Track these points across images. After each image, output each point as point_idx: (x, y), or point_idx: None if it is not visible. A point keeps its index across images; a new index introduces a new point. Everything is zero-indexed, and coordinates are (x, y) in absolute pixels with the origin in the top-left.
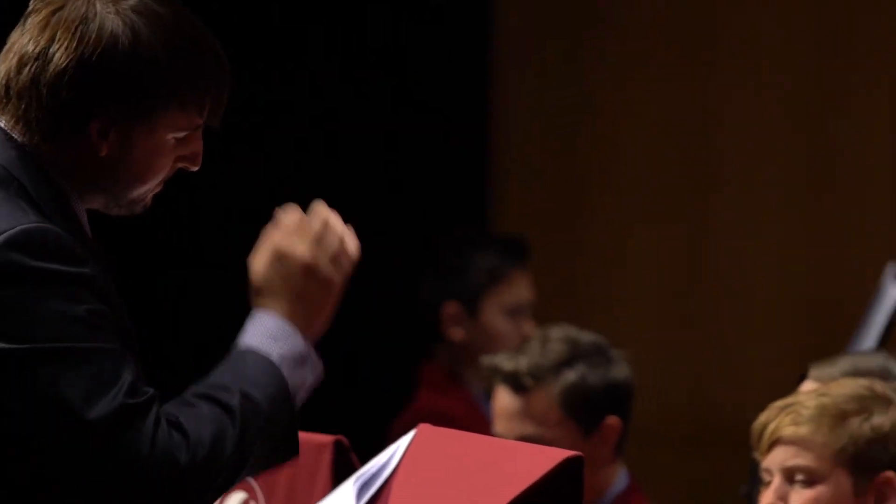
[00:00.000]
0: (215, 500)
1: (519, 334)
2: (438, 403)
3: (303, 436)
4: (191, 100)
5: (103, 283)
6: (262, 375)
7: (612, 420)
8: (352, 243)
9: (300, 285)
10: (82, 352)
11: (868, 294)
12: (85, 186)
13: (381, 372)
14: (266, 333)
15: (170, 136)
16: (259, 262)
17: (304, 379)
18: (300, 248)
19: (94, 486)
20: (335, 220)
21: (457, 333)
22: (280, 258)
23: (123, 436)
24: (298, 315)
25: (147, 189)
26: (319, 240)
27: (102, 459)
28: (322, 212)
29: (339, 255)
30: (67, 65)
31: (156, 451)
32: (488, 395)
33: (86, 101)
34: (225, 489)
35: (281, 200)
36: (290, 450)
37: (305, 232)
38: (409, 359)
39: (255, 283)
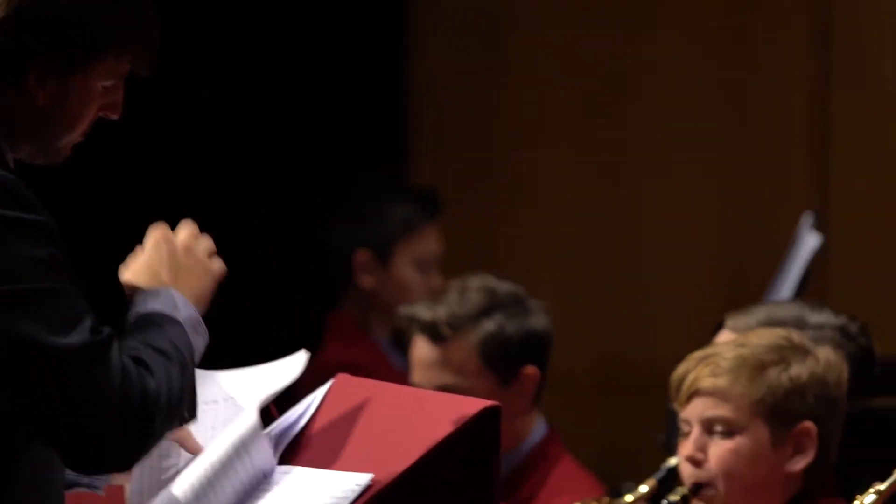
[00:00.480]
0: (173, 429)
1: (427, 286)
2: (346, 353)
3: None
4: (124, 47)
5: (56, 230)
6: (178, 335)
7: (530, 370)
8: (216, 264)
9: (183, 261)
10: (47, 292)
11: (784, 243)
12: (17, 136)
13: (290, 319)
14: (166, 302)
15: (101, 83)
16: (143, 251)
17: (198, 345)
18: (179, 235)
19: (70, 417)
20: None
21: (366, 282)
22: (162, 241)
23: (94, 368)
24: (185, 288)
25: (73, 138)
26: (193, 237)
27: (77, 390)
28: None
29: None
30: (6, 15)
31: (127, 382)
32: (396, 344)
33: (24, 51)
34: (183, 422)
35: (199, 148)
36: (191, 412)
37: (181, 233)
38: (319, 307)
39: (140, 266)
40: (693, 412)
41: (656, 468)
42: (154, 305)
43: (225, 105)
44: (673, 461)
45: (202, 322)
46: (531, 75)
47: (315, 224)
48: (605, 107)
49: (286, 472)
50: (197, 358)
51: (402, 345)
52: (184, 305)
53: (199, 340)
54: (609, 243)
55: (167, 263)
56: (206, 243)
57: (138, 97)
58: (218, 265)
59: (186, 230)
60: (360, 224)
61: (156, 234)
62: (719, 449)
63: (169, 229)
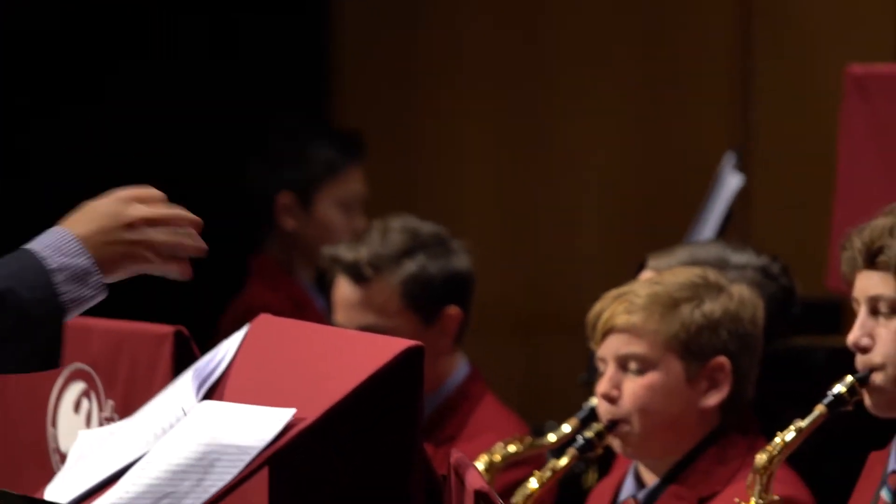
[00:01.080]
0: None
1: (350, 228)
2: (269, 295)
3: (142, 326)
4: None
5: None
6: (33, 278)
7: (452, 310)
8: (195, 243)
9: (116, 227)
10: None
11: (706, 183)
12: None
13: (212, 262)
14: (52, 244)
15: None
16: (106, 195)
17: (82, 295)
18: (142, 208)
19: None
20: (189, 221)
21: (288, 224)
22: (122, 200)
23: None
24: (97, 246)
25: None
26: (162, 221)
27: None
28: (182, 212)
29: (173, 247)
30: None
31: None
32: (319, 286)
33: None
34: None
35: (120, 91)
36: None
37: (156, 206)
38: (241, 249)
39: (83, 206)
40: (608, 350)
41: (579, 407)
42: (34, 245)
43: (147, 46)
44: (594, 401)
45: (97, 274)
46: (450, 17)
47: (237, 166)
48: (524, 48)
49: (208, 409)
50: (81, 308)
51: (325, 287)
52: (74, 254)
53: (86, 291)
54: (530, 184)
55: (102, 216)
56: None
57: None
58: (161, 242)
59: (152, 208)
60: (282, 166)
61: (123, 192)
62: (633, 385)
63: (141, 193)
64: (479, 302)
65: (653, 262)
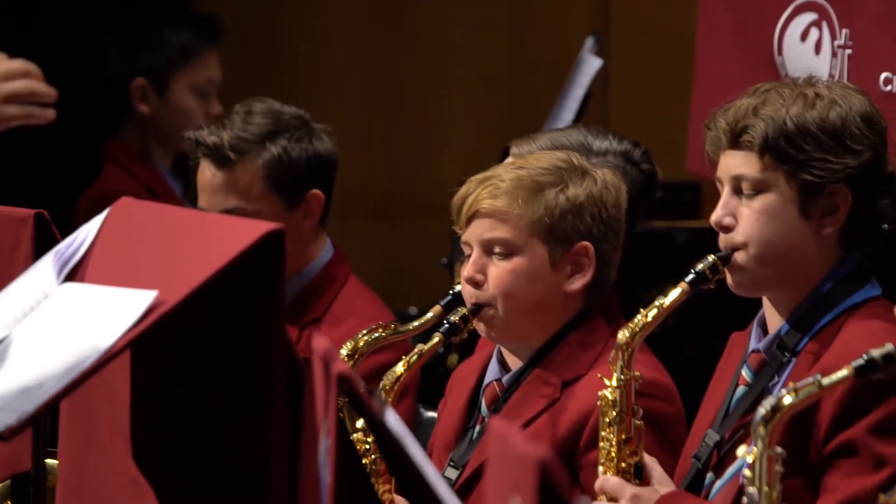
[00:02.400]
0: None
1: (206, 113)
2: (125, 180)
3: (2, 210)
4: None
5: None
6: None
7: (315, 193)
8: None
9: None
10: None
11: (567, 67)
12: None
13: (69, 147)
14: None
15: None
16: None
17: None
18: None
19: None
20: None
21: (144, 109)
22: None
23: None
24: None
25: None
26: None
27: None
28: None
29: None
30: None
31: None
32: (176, 171)
33: None
34: None
35: None
36: None
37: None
38: (98, 134)
39: None
40: (473, 234)
41: (441, 291)
42: None
43: None
44: (459, 287)
45: None
46: None
47: (96, 51)
48: None
49: (69, 291)
50: None
51: (182, 173)
52: None
53: None
54: (394, 67)
55: None
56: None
57: None
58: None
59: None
60: (139, 51)
61: None
62: (498, 269)
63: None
64: (341, 185)
65: (515, 148)
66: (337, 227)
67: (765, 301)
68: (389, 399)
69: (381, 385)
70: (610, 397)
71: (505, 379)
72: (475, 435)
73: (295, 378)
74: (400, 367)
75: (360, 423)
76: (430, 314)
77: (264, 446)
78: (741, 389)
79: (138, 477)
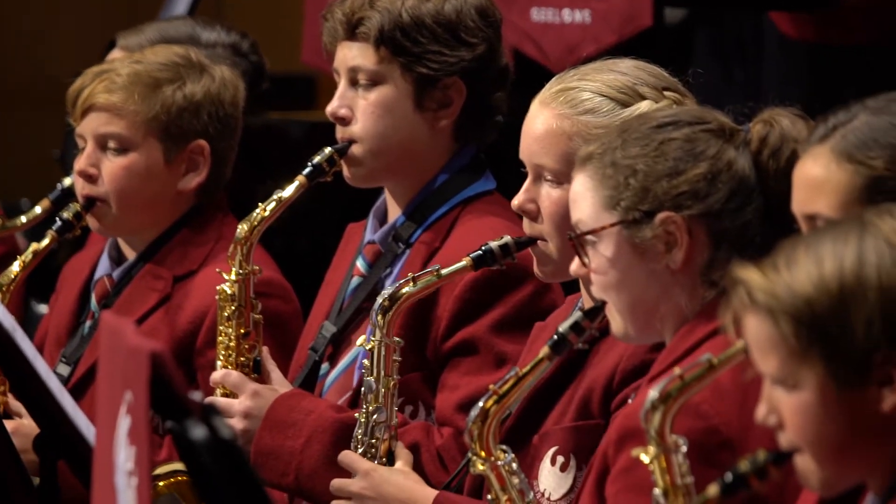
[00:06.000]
0: None
1: None
2: None
3: None
4: None
5: None
6: None
7: None
8: None
9: None
10: None
11: None
12: None
13: None
14: None
15: None
16: None
17: None
18: None
19: None
20: None
21: None
22: None
23: None
24: None
25: None
26: None
27: None
28: None
29: None
30: None
31: None
32: None
33: None
34: None
35: None
36: None
37: None
38: None
39: None
40: (87, 127)
41: (52, 184)
42: None
43: None
44: (68, 181)
45: None
46: None
47: None
48: None
49: None
50: None
51: None
52: None
53: None
54: None
55: None
56: None
57: None
58: None
59: None
60: None
61: None
62: (112, 165)
63: None
64: None
65: (122, 40)
66: None
67: (386, 192)
68: (6, 300)
69: None
70: (228, 291)
71: (115, 274)
72: (86, 330)
73: None
74: (16, 267)
75: None
76: (38, 209)
77: None
78: (356, 280)
79: None
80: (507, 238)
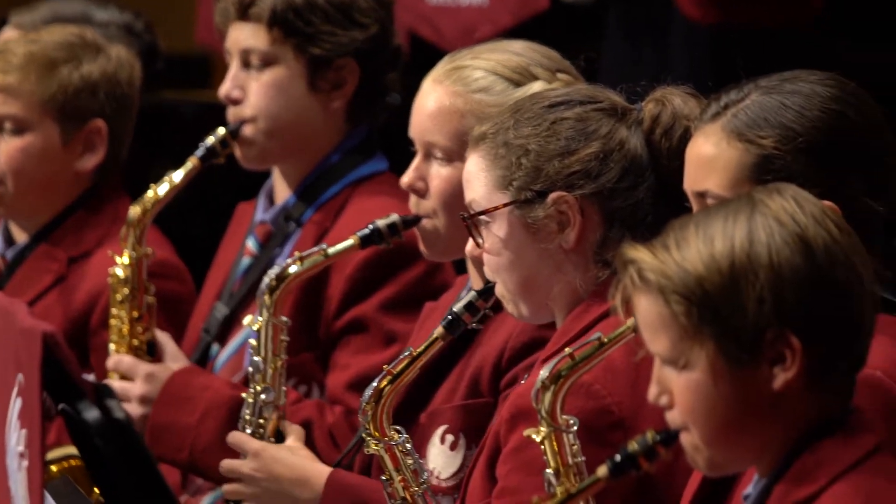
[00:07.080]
0: None
1: None
2: None
3: None
4: None
5: None
6: None
7: None
8: None
9: None
10: None
11: None
12: None
13: None
14: None
15: None
16: None
17: None
18: None
19: None
20: None
21: None
22: None
23: None
24: None
25: None
26: None
27: None
28: None
29: None
30: None
31: None
32: None
33: None
34: None
35: None
36: None
37: None
38: None
39: None
40: None
41: None
42: None
43: None
44: None
45: None
46: None
47: None
48: None
49: None
50: None
51: None
52: None
53: None
54: None
55: None
56: None
57: None
58: None
59: None
60: None
61: None
62: (8, 147)
63: None
64: None
65: (15, 18)
66: None
67: (275, 173)
68: None
69: None
70: (121, 275)
71: (8, 254)
72: None
73: None
74: None
75: None
76: None
77: None
78: (247, 260)
79: None
80: (394, 216)
